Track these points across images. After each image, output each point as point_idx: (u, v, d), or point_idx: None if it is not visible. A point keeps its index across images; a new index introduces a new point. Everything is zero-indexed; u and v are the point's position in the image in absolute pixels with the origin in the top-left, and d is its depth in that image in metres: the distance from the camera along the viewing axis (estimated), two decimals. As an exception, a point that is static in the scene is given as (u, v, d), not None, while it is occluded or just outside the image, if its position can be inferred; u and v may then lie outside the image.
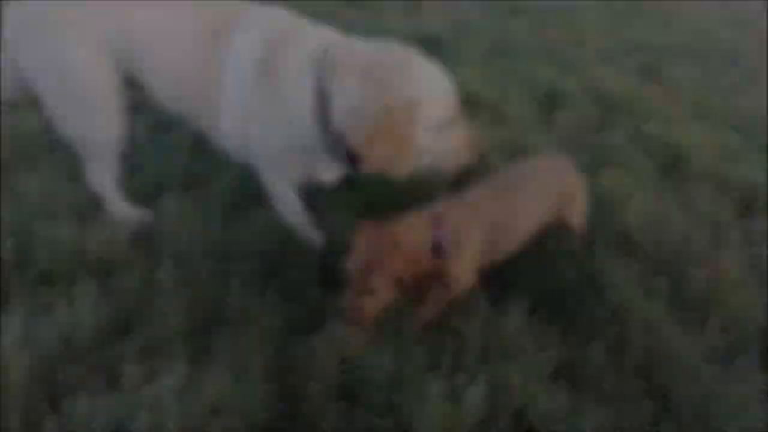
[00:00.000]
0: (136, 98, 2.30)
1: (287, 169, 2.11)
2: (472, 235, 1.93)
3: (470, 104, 3.78)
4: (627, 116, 3.80)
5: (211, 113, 1.99)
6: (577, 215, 2.32)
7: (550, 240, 2.35)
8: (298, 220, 2.25)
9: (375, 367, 1.79)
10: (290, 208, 2.23)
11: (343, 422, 1.71)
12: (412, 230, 1.81)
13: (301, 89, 1.82)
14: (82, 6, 1.96)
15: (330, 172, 2.24)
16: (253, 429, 1.66)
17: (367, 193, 2.66)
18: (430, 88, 1.78)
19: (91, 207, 2.53)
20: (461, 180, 2.60)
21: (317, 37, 1.90)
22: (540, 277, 2.24)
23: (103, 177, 2.35)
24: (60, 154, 2.91)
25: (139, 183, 2.78)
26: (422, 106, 1.73)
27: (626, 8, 6.46)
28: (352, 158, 1.83)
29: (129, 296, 2.07)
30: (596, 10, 6.35)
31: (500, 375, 1.80)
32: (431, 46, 4.80)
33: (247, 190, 2.67)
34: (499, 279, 2.31)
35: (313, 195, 2.62)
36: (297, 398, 1.80)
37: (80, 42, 1.94)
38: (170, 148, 3.06)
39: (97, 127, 2.17)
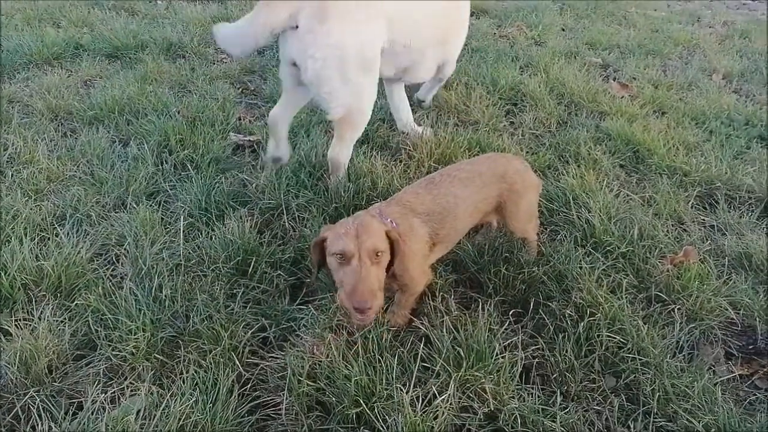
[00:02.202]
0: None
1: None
2: (415, 227, 1.96)
3: (435, 107, 3.80)
4: (588, 114, 3.86)
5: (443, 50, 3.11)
6: (523, 216, 2.28)
7: (516, 241, 2.37)
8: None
9: (346, 378, 1.78)
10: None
11: (315, 435, 1.69)
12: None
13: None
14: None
15: None
16: (223, 447, 1.63)
17: (335, 207, 2.65)
18: None
19: (50, 225, 2.47)
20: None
21: None
22: (507, 277, 2.25)
23: (350, 149, 2.77)
24: (18, 172, 2.84)
25: (103, 195, 2.72)
26: None
27: (586, 7, 6.57)
28: None
29: (91, 317, 2.01)
30: (556, 9, 6.44)
31: (471, 379, 1.80)
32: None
33: (211, 204, 2.64)
34: (468, 281, 2.33)
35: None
36: (268, 413, 1.78)
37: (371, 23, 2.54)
38: (133, 161, 3.00)
39: (369, 96, 2.68)
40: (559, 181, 2.93)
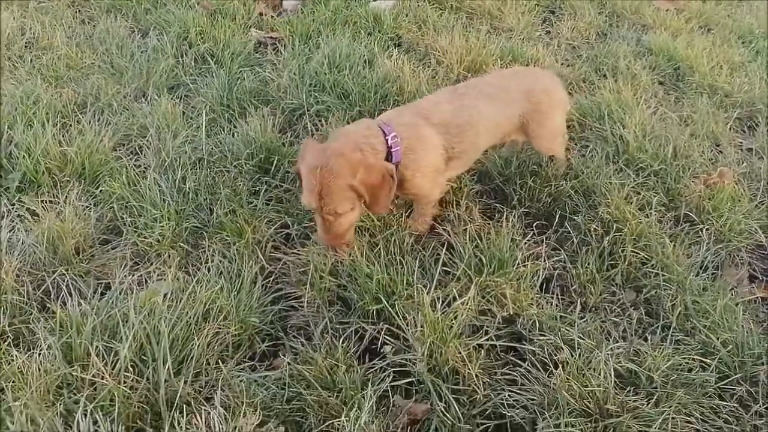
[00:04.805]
0: None
1: None
2: (428, 138, 1.87)
3: (468, 13, 3.60)
4: (630, 26, 3.65)
5: None
6: (548, 136, 2.19)
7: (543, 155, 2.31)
8: None
9: (367, 276, 1.79)
10: None
11: (336, 328, 1.73)
12: (356, 139, 1.75)
13: None
14: None
15: None
16: (245, 332, 1.67)
17: (358, 111, 2.57)
18: None
19: (71, 112, 2.44)
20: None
21: None
22: (533, 189, 2.21)
23: None
24: (37, 57, 2.77)
25: (123, 85, 2.67)
26: None
27: None
28: None
29: (116, 203, 2.02)
30: None
31: (491, 285, 1.81)
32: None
33: (232, 101, 2.58)
34: (492, 192, 2.29)
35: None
36: (291, 304, 1.81)
37: None
38: (153, 52, 2.91)
39: None
40: (594, 95, 2.81)
